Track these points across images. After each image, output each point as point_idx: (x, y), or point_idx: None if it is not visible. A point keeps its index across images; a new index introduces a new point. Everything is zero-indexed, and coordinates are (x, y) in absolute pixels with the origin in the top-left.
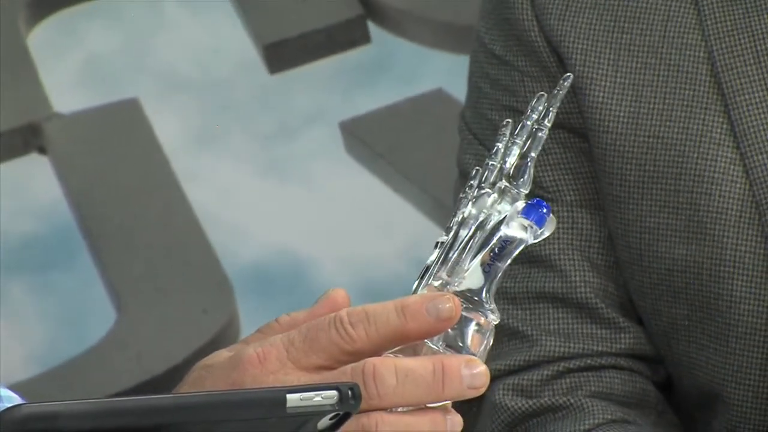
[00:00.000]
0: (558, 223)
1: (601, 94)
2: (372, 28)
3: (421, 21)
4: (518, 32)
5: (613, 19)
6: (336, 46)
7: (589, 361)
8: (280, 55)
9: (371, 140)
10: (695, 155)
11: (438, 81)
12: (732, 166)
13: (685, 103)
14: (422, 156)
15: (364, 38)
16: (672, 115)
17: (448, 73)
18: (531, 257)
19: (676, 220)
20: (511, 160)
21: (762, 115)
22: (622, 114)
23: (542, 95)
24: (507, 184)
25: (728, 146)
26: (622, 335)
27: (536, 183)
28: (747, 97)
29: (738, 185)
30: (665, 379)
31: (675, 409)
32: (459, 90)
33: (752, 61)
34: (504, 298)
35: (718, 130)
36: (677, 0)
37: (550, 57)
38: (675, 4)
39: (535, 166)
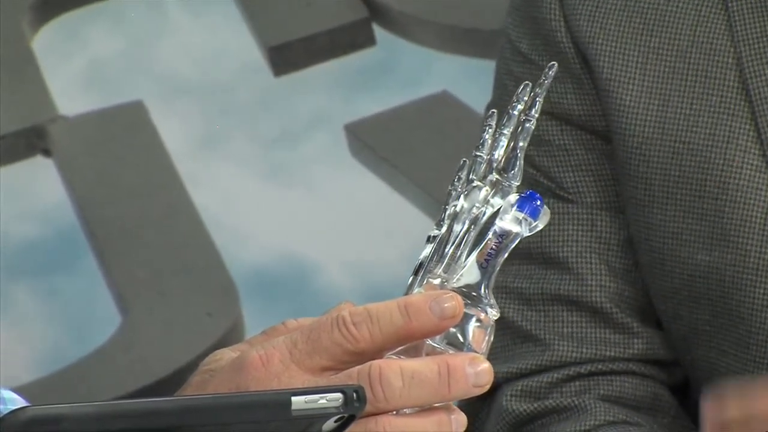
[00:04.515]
0: (577, 225)
1: (628, 97)
2: (377, 30)
3: (426, 24)
4: (545, 32)
5: (642, 22)
6: (340, 49)
7: (600, 366)
8: (285, 57)
9: (376, 143)
10: (721, 162)
11: (443, 84)
12: (758, 174)
13: (712, 108)
14: (427, 159)
15: (369, 41)
16: (698, 120)
17: (453, 76)
18: (548, 258)
19: (700, 226)
20: (500, 152)
21: None
22: (648, 118)
23: (527, 84)
24: (498, 177)
25: (754, 153)
26: (636, 340)
27: (557, 184)
28: None
29: (763, 193)
30: (680, 381)
31: (690, 409)
32: (464, 93)
33: None
34: (518, 298)
35: (745, 137)
36: (707, 5)
37: (576, 58)
38: (705, 9)
39: (557, 168)
